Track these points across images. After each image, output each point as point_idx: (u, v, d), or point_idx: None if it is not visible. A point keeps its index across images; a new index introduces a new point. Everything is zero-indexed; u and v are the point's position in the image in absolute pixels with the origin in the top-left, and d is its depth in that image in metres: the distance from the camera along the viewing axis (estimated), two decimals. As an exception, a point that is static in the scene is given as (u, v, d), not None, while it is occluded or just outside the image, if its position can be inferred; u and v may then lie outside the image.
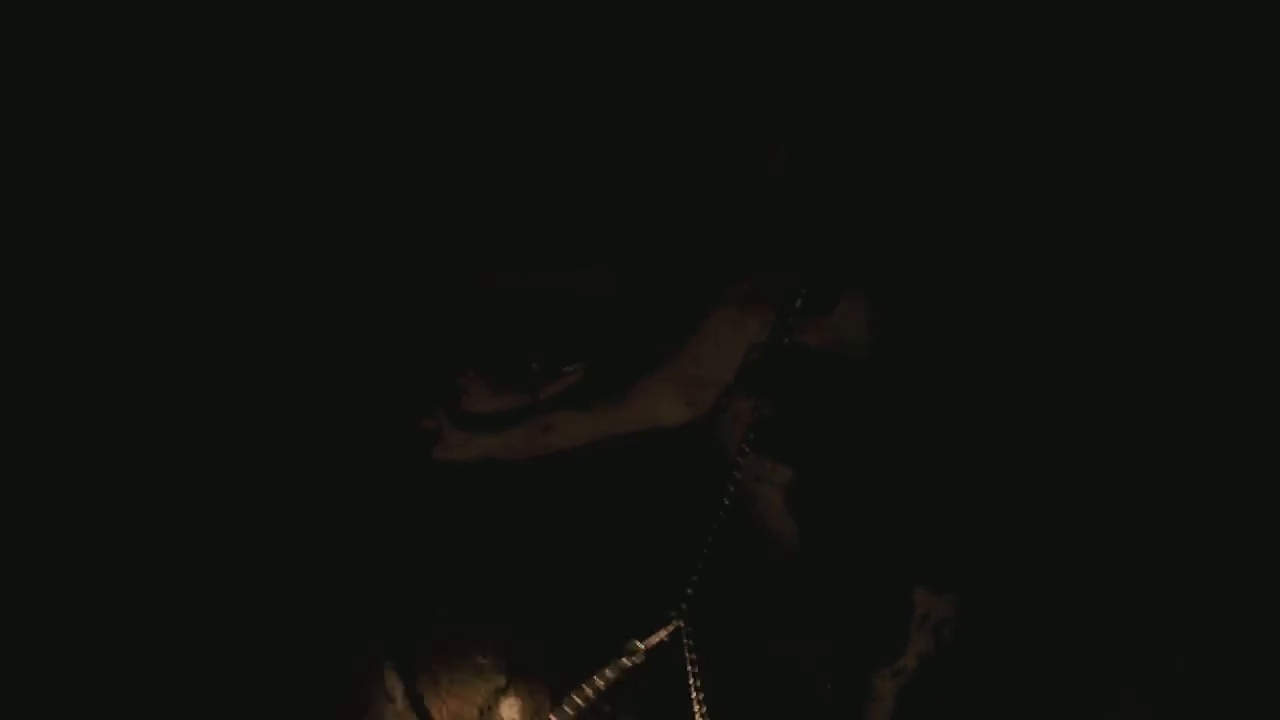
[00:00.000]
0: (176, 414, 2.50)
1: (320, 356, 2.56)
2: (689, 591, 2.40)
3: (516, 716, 2.42)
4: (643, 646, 2.32)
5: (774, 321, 2.50)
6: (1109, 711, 2.64)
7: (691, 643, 2.38)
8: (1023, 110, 2.83)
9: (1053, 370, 2.83)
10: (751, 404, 2.52)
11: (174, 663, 2.37)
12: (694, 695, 2.33)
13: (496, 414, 2.63)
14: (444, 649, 2.44)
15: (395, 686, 2.39)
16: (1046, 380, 2.83)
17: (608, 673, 2.29)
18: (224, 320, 2.55)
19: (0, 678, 2.31)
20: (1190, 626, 2.71)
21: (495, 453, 2.51)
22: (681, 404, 2.52)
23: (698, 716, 2.32)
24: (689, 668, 2.37)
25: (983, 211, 2.85)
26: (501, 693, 2.42)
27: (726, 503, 2.43)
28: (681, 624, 2.37)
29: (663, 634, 2.33)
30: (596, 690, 2.28)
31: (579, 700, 2.27)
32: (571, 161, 2.94)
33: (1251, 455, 2.76)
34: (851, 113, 2.71)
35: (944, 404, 2.73)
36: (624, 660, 2.29)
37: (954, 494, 2.67)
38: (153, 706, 2.33)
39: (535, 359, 2.74)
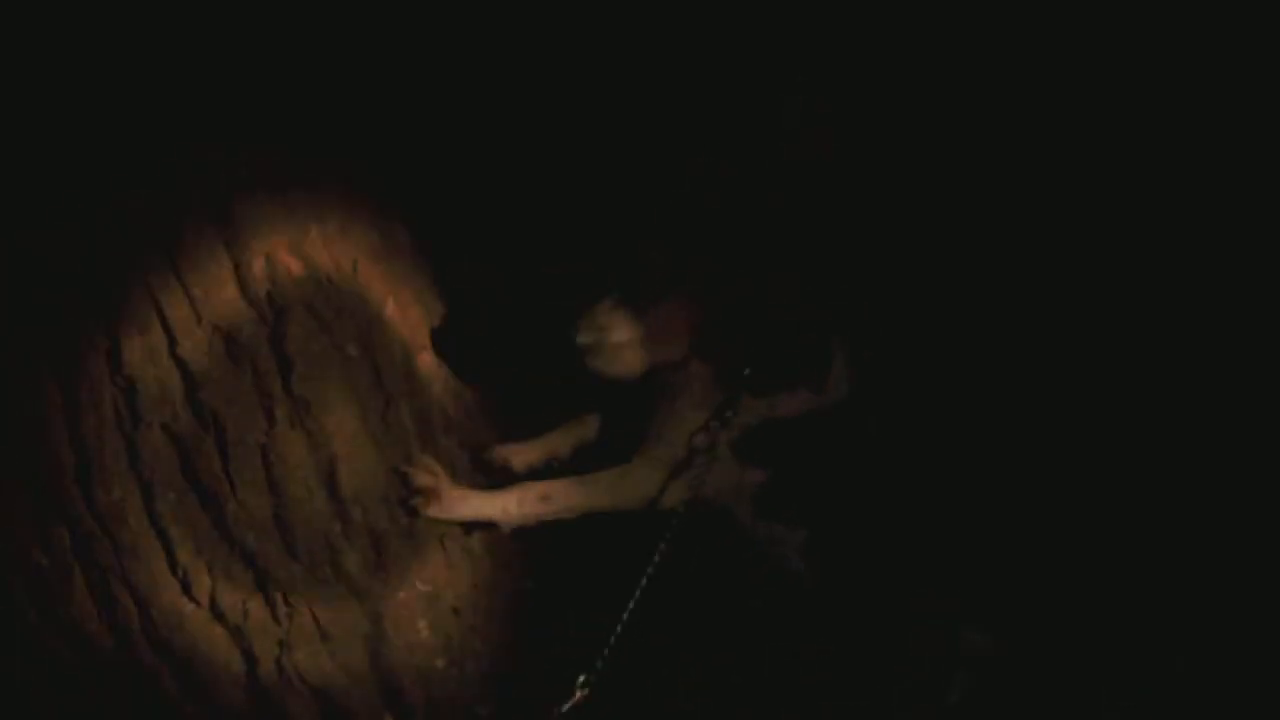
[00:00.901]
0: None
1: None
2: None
3: None
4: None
5: (731, 389, 2.48)
6: (1109, 711, 2.65)
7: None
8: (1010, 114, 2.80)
9: (1051, 369, 2.83)
10: (746, 470, 2.52)
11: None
12: None
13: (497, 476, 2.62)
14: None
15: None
16: (1043, 380, 2.83)
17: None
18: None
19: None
20: (1190, 626, 2.72)
21: (490, 516, 2.50)
22: (678, 484, 2.50)
23: None
24: None
25: (970, 215, 2.83)
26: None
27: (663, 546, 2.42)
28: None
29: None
30: None
31: None
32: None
33: (1251, 455, 2.76)
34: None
35: (937, 418, 2.73)
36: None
37: (957, 501, 2.68)
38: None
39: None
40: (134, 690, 2.24)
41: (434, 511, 2.44)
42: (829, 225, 2.70)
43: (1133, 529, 2.76)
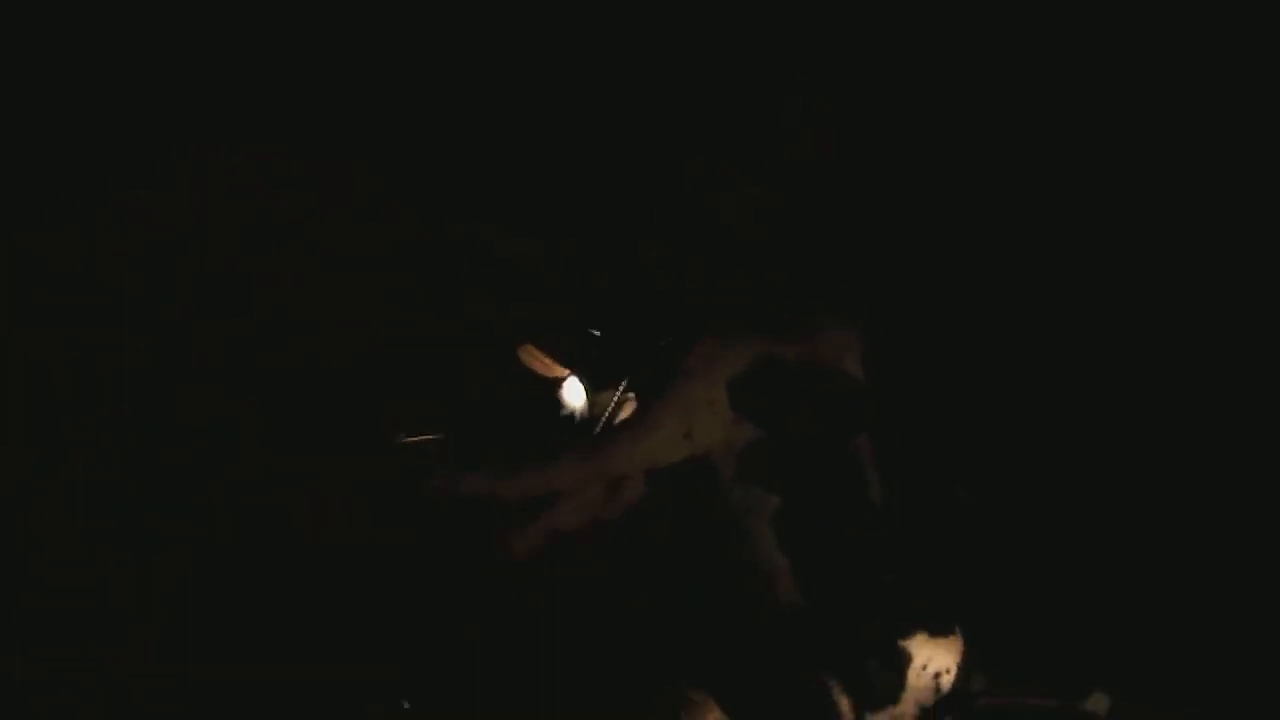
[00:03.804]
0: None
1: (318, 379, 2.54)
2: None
3: None
4: None
5: (754, 351, 2.44)
6: (1109, 712, 2.65)
7: None
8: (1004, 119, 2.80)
9: (1042, 377, 2.83)
10: (746, 433, 2.47)
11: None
12: None
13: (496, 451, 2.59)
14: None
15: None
16: (1034, 388, 2.83)
17: None
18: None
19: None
20: (1191, 627, 2.72)
21: (492, 490, 2.46)
22: (680, 440, 2.45)
23: None
24: None
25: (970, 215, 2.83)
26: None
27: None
28: None
29: None
30: None
31: None
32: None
33: (1250, 458, 2.76)
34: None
35: (934, 420, 2.72)
36: None
37: (946, 506, 2.67)
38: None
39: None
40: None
41: (432, 490, 2.41)
42: (829, 225, 2.69)
43: (1131, 532, 2.76)
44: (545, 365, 2.56)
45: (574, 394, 2.58)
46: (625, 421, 2.45)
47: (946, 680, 2.28)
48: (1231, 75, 2.75)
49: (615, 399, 2.55)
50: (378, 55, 2.81)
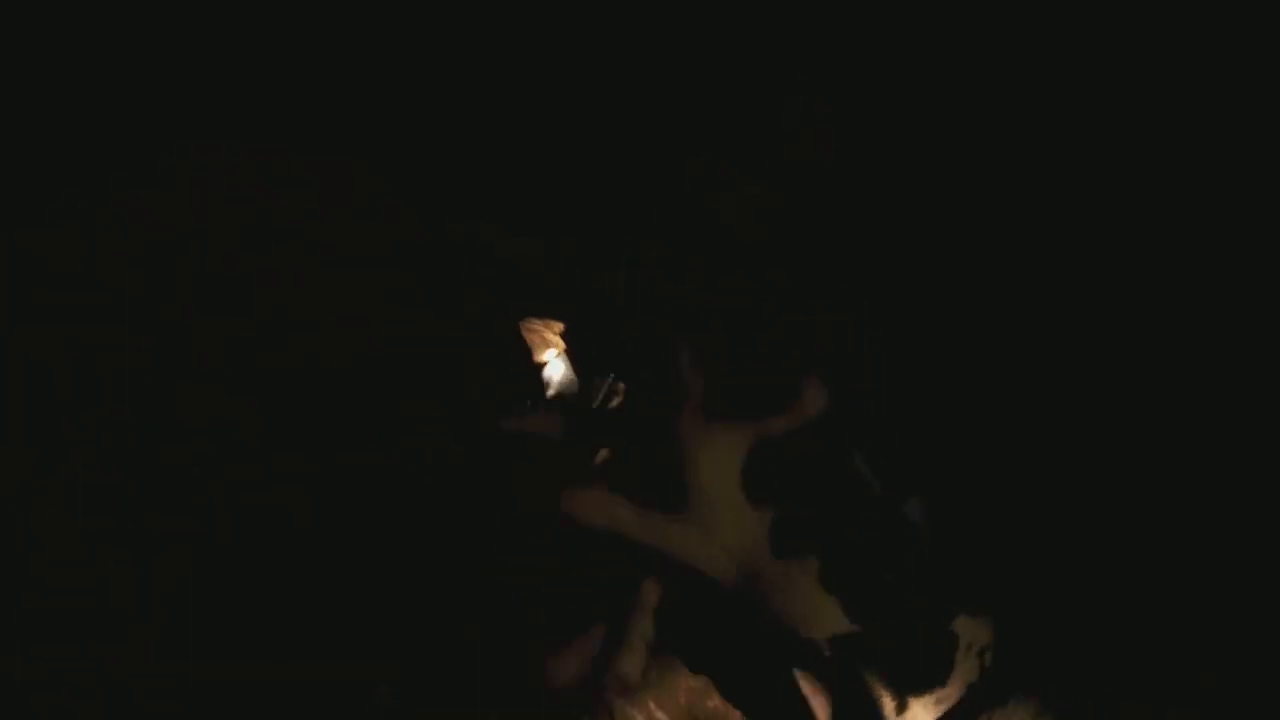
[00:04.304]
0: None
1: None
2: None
3: None
4: None
5: (747, 438, 2.40)
6: (1109, 713, 2.65)
7: None
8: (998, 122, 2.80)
9: (1051, 371, 2.82)
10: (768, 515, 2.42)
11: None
12: None
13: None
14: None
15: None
16: (1039, 388, 2.82)
17: None
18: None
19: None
20: (1190, 627, 2.72)
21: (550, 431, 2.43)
22: (716, 549, 2.39)
23: None
24: None
25: (971, 215, 2.83)
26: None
27: None
28: None
29: None
30: None
31: None
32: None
33: (1250, 458, 2.76)
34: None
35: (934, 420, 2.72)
36: None
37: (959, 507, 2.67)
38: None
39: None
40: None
41: (512, 424, 2.41)
42: (829, 226, 2.70)
43: (1134, 533, 2.76)
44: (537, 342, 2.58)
45: (557, 373, 2.60)
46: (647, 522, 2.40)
47: (989, 658, 2.30)
48: (1231, 75, 2.75)
49: (604, 388, 2.56)
50: (377, 55, 2.81)
